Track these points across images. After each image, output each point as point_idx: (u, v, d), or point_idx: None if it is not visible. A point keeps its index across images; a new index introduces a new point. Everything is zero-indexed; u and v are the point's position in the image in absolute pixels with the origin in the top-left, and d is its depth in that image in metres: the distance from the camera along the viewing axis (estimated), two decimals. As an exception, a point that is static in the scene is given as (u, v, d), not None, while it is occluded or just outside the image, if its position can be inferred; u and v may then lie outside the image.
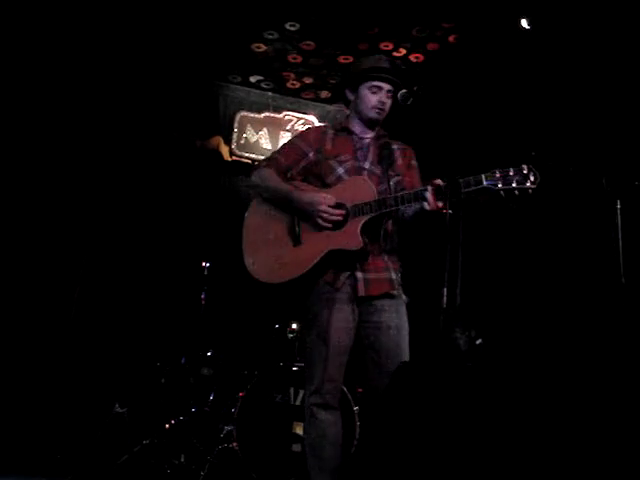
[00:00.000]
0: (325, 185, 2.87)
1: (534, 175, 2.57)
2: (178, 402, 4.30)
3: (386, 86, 2.90)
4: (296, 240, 2.80)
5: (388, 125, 6.27)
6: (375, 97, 2.91)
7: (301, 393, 3.96)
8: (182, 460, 4.01)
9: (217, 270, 4.73)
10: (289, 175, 2.95)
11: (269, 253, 2.82)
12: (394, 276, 2.86)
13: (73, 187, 5.32)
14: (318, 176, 2.91)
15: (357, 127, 3.01)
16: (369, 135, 3.00)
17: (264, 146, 6.11)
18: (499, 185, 2.56)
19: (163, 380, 4.42)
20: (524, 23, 4.73)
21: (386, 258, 2.86)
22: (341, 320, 2.73)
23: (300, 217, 2.82)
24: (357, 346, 2.82)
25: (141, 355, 4.83)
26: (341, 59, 5.62)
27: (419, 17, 5.04)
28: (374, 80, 2.90)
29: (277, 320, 4.53)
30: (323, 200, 2.75)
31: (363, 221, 2.71)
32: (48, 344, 4.85)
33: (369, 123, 2.98)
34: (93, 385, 4.80)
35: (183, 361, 4.46)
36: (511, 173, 2.57)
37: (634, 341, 3.12)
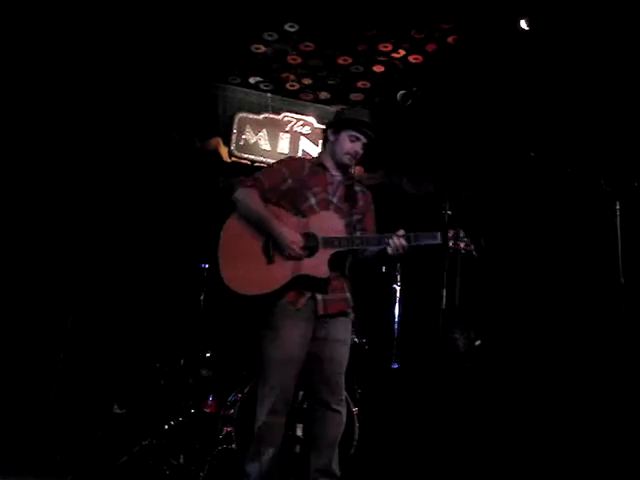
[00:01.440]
0: (299, 211, 3.16)
1: (483, 240, 2.97)
2: (177, 403, 4.30)
3: (363, 139, 3.25)
4: (269, 259, 3.08)
5: (387, 124, 6.27)
6: (351, 145, 3.24)
7: (301, 394, 3.96)
8: (181, 461, 4.01)
9: (216, 271, 4.72)
10: (269, 196, 3.20)
11: (243, 265, 3.09)
12: (348, 296, 3.21)
13: (72, 188, 5.32)
14: (293, 202, 3.18)
15: (329, 165, 3.31)
16: (340, 174, 3.32)
17: (263, 147, 6.11)
18: (450, 244, 2.93)
19: (162, 381, 4.42)
20: (523, 24, 4.74)
21: (342, 280, 3.20)
22: (297, 335, 3.04)
23: (273, 241, 3.09)
24: (307, 356, 3.09)
25: (140, 356, 4.83)
26: (340, 60, 5.62)
27: (418, 18, 5.05)
28: (356, 130, 3.23)
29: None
30: (293, 239, 3.05)
31: (331, 253, 3.05)
32: (48, 345, 4.85)
33: (340, 166, 3.30)
34: (92, 386, 4.79)
35: (182, 362, 4.46)
36: (461, 235, 2.96)
37: (634, 341, 3.12)
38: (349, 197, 3.26)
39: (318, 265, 3.04)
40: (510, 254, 5.39)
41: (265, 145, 6.12)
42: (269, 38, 5.38)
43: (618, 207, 3.19)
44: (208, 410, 4.30)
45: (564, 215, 5.04)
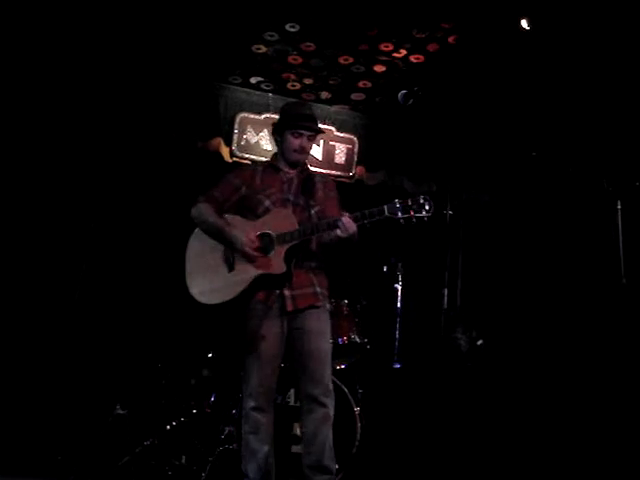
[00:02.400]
0: (256, 216, 3.24)
1: (429, 204, 2.94)
2: (179, 403, 4.30)
3: (306, 132, 3.31)
4: (230, 267, 3.17)
5: (389, 124, 6.28)
6: (297, 141, 3.30)
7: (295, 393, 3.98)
8: (183, 461, 4.01)
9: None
10: (225, 208, 3.31)
11: (207, 278, 3.20)
12: (318, 290, 3.23)
13: (73, 188, 5.32)
14: (249, 209, 3.28)
15: (282, 165, 3.40)
16: (293, 170, 3.39)
17: (265, 147, 6.11)
18: (399, 214, 2.94)
19: (164, 381, 4.43)
20: (524, 24, 4.74)
21: (311, 274, 3.24)
22: (272, 333, 3.12)
23: (232, 248, 3.18)
24: (287, 353, 3.20)
25: (142, 356, 4.83)
26: (341, 60, 5.62)
27: (419, 18, 5.04)
28: (296, 127, 3.30)
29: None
30: (247, 241, 3.10)
31: (286, 248, 3.09)
32: (49, 345, 4.85)
33: (291, 163, 3.37)
34: (94, 386, 4.79)
35: (183, 362, 4.46)
36: (409, 203, 2.95)
37: (634, 341, 3.12)
38: (305, 190, 3.31)
39: (274, 263, 3.09)
40: (512, 254, 5.39)
41: (266, 145, 6.12)
42: (270, 38, 5.37)
43: (619, 206, 3.19)
44: (210, 410, 4.30)
45: (566, 215, 5.03)
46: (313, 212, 3.26)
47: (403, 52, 5.46)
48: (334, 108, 6.36)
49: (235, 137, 6.03)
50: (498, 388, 4.56)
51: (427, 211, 2.94)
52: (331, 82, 5.98)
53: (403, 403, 4.73)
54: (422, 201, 2.95)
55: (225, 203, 3.31)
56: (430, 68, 5.54)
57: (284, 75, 5.92)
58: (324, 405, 3.07)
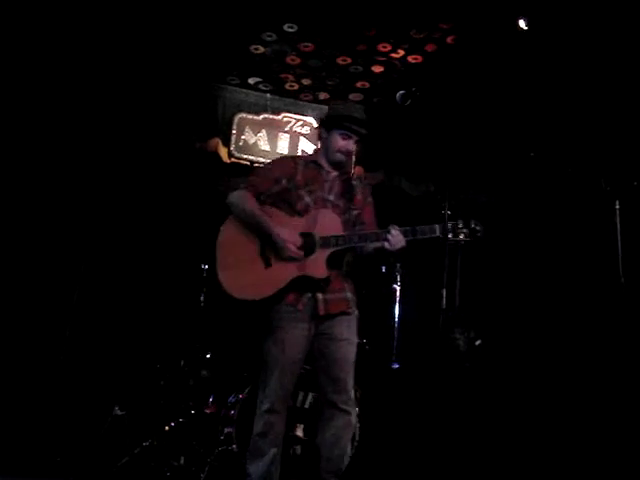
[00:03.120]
0: (295, 212, 3.12)
1: (481, 229, 2.95)
2: (178, 404, 4.30)
3: (355, 137, 3.22)
4: (267, 262, 3.04)
5: (388, 127, 6.26)
6: (343, 143, 3.20)
7: (301, 395, 3.96)
8: (182, 462, 4.01)
9: (216, 272, 4.72)
10: (263, 198, 3.16)
11: (242, 271, 3.04)
12: (349, 295, 3.17)
13: (72, 189, 5.32)
14: (288, 203, 3.15)
15: (324, 163, 3.27)
16: (334, 172, 3.28)
17: (263, 148, 6.11)
18: (449, 236, 2.93)
19: (162, 382, 4.42)
20: (522, 24, 4.74)
21: (342, 280, 3.16)
22: (298, 336, 3.04)
23: (270, 244, 3.04)
24: (310, 356, 3.13)
25: (140, 357, 4.83)
26: (339, 60, 5.62)
27: (417, 18, 5.04)
28: (346, 129, 3.19)
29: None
30: (289, 239, 2.99)
31: (329, 253, 3.01)
32: (48, 346, 4.85)
33: (333, 163, 3.25)
34: (93, 387, 4.79)
35: (182, 363, 4.45)
36: (460, 226, 2.96)
37: (634, 341, 3.12)
38: (346, 193, 3.22)
39: (316, 265, 3.00)
40: (510, 254, 5.38)
41: (264, 146, 6.12)
42: (268, 39, 5.38)
43: (618, 206, 3.19)
44: (208, 411, 4.30)
45: (564, 215, 5.03)
46: (352, 215, 3.20)
47: (401, 52, 5.47)
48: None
49: (233, 137, 6.04)
50: (496, 388, 4.57)
51: (477, 238, 2.94)
52: (329, 82, 5.98)
53: (401, 403, 4.73)
54: (473, 225, 2.95)
55: (264, 194, 3.16)
56: (428, 68, 5.54)
57: (282, 76, 5.92)
58: (347, 412, 3.06)
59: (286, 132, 6.21)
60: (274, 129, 6.18)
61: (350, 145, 3.21)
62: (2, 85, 5.09)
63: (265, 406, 3.02)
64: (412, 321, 4.86)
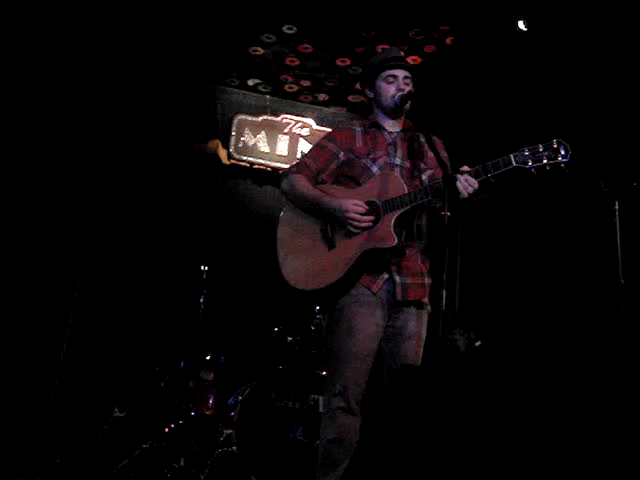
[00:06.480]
0: (360, 186, 2.81)
1: (564, 149, 2.52)
2: (177, 406, 4.29)
3: (401, 73, 2.88)
4: (330, 244, 2.74)
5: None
6: (392, 86, 2.87)
7: (300, 396, 3.96)
8: (182, 464, 4.00)
9: (216, 273, 4.72)
10: (320, 179, 2.88)
11: (304, 261, 2.76)
12: (427, 281, 2.83)
13: (71, 191, 5.32)
14: (352, 177, 2.85)
15: (384, 121, 2.94)
16: (397, 128, 2.95)
17: (262, 149, 6.11)
18: (529, 163, 2.52)
19: (162, 384, 4.41)
20: (521, 25, 4.74)
21: (419, 260, 2.81)
22: (372, 325, 2.69)
23: (332, 221, 2.75)
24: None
25: (140, 359, 4.83)
26: (338, 62, 5.62)
27: (416, 20, 5.05)
28: (386, 69, 2.88)
29: (276, 323, 4.53)
30: (352, 207, 2.68)
31: (395, 216, 2.64)
32: (48, 348, 4.85)
33: (393, 113, 2.91)
34: (93, 389, 4.79)
35: (182, 365, 4.45)
36: (540, 149, 2.53)
37: (633, 341, 3.12)
38: (413, 152, 2.87)
39: (383, 233, 2.64)
40: (510, 255, 5.38)
41: (264, 147, 6.12)
42: (267, 40, 5.38)
43: (617, 207, 3.19)
44: (208, 413, 4.30)
45: (564, 215, 5.03)
46: (424, 177, 2.83)
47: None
48: (331, 110, 6.36)
49: (233, 139, 6.04)
50: (496, 389, 4.56)
51: (563, 156, 2.50)
52: (328, 84, 5.98)
53: (401, 403, 4.72)
54: (556, 145, 2.52)
55: (321, 173, 2.87)
56: (427, 69, 5.54)
57: (281, 77, 5.93)
58: None
59: (285, 133, 6.20)
60: (273, 130, 6.18)
61: (400, 84, 2.86)
62: (3, 90, 5.09)
63: (337, 404, 2.63)
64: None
